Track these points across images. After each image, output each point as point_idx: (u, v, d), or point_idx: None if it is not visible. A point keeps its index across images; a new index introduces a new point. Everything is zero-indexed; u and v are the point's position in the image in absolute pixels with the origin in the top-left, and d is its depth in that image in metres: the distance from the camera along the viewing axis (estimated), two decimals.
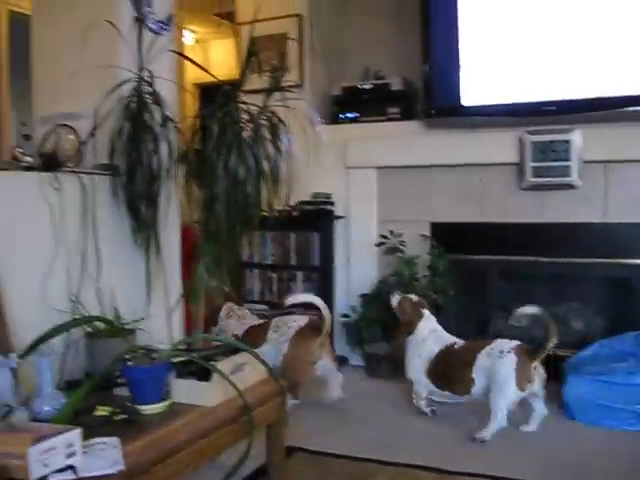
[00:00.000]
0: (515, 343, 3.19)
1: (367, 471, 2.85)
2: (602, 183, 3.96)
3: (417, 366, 3.44)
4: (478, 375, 3.21)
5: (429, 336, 3.44)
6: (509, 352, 3.13)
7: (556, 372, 3.63)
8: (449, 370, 3.33)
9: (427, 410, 3.48)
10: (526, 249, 4.14)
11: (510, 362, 3.10)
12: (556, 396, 3.49)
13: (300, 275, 4.65)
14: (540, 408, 3.23)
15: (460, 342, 3.40)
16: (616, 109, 3.81)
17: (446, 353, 3.37)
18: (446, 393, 3.38)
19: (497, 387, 3.11)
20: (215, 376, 2.23)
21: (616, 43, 3.78)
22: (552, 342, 3.09)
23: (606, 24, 3.80)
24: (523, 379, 3.09)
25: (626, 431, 3.24)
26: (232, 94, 2.80)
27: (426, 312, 3.52)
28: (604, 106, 3.83)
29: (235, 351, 2.45)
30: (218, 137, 2.71)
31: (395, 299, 3.57)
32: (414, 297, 3.56)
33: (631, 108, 3.78)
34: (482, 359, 3.20)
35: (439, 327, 3.50)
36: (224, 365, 2.31)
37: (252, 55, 2.78)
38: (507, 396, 3.09)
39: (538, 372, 3.15)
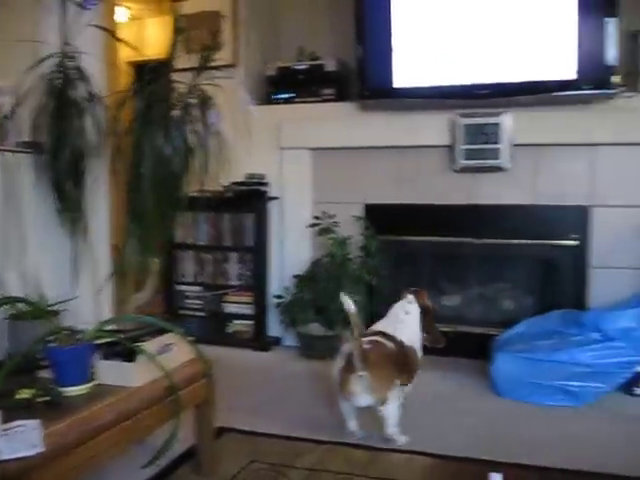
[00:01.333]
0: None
1: (298, 450, 2.85)
2: (531, 166, 4.04)
3: None
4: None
5: None
6: (341, 356, 2.92)
7: (485, 350, 3.73)
8: None
9: None
10: (457, 230, 4.20)
11: (336, 367, 2.92)
12: (485, 374, 3.58)
13: (234, 256, 4.63)
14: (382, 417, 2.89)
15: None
16: (546, 93, 3.88)
17: None
18: None
19: None
20: (141, 357, 2.21)
21: (547, 28, 3.83)
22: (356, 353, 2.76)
23: (537, 8, 3.85)
24: (343, 388, 2.86)
25: (552, 406, 3.32)
26: (159, 71, 2.75)
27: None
28: (534, 90, 3.89)
29: (162, 331, 2.43)
30: (145, 115, 2.67)
31: None
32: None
33: (561, 93, 3.85)
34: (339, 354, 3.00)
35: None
36: (150, 345, 2.29)
37: (179, 32, 2.73)
38: (340, 402, 2.96)
39: (361, 382, 2.78)
